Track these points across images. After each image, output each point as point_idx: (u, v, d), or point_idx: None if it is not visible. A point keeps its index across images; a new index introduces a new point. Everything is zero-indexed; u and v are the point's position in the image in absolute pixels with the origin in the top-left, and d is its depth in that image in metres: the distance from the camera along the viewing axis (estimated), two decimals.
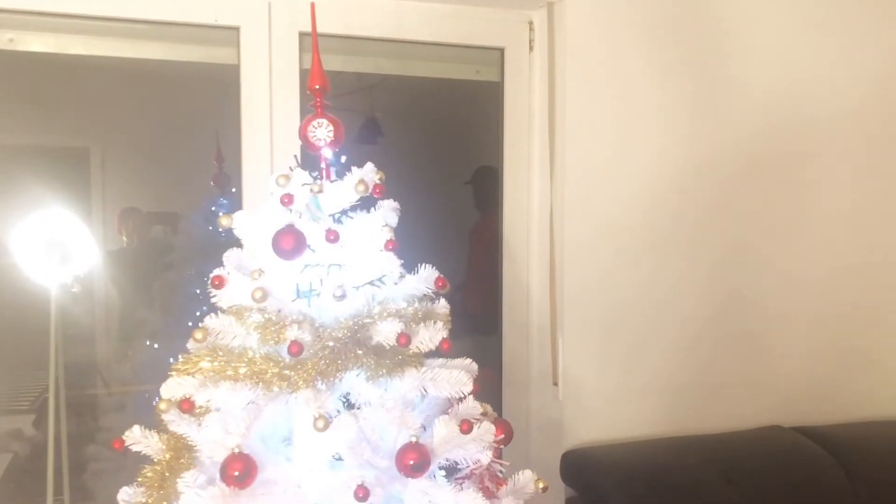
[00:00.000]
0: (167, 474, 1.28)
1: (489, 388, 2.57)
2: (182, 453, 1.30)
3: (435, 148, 3.32)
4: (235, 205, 2.43)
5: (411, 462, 1.22)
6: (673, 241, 2.43)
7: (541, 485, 1.43)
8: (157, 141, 3.34)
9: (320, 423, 1.17)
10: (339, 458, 1.28)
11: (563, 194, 2.33)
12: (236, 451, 1.17)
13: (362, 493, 1.16)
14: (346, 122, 1.45)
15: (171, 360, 1.31)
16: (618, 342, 2.38)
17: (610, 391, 2.36)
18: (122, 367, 2.88)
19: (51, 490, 2.52)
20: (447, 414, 1.31)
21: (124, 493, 1.35)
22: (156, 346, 2.74)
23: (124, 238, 3.21)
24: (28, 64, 2.89)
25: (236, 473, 1.16)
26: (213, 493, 1.16)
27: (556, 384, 2.35)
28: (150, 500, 1.28)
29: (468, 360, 1.40)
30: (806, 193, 2.57)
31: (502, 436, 1.42)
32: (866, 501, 2.19)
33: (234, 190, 2.58)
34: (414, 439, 1.23)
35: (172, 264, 2.90)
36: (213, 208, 2.76)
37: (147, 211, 3.19)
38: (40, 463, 2.62)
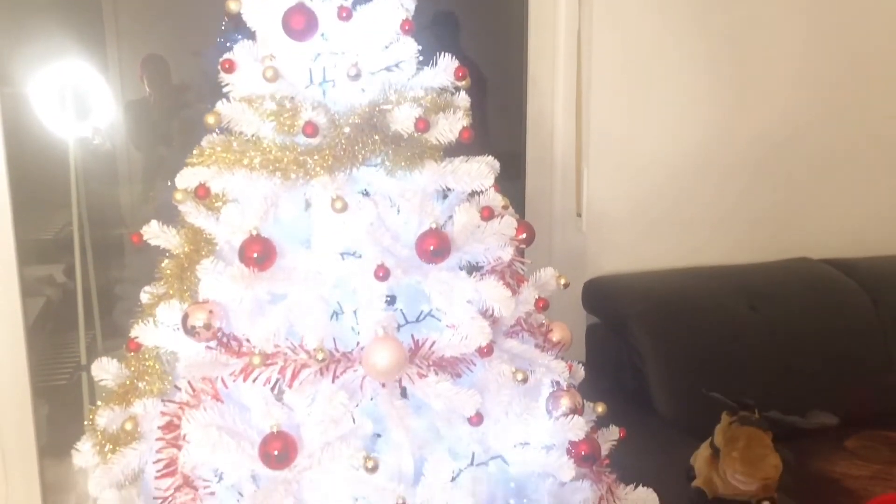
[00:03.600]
0: (186, 265, 1.27)
1: None
2: (200, 246, 1.29)
3: None
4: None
5: (432, 248, 1.19)
6: (703, 72, 2.33)
7: (562, 281, 1.41)
8: None
9: (338, 205, 1.15)
10: (359, 256, 1.26)
11: (592, 20, 2.22)
12: (254, 233, 1.15)
13: (382, 272, 1.14)
14: None
15: None
16: (644, 173, 2.33)
17: (635, 222, 2.33)
18: (145, 208, 2.90)
19: (82, 325, 2.60)
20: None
21: (146, 289, 1.35)
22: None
23: (147, 87, 3.17)
24: None
25: (255, 255, 1.15)
26: (233, 272, 1.15)
27: (579, 216, 2.32)
28: (171, 291, 1.28)
29: (490, 157, 1.36)
30: None
31: (524, 235, 1.40)
32: (891, 328, 2.18)
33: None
34: (434, 225, 1.20)
35: (189, 103, 2.87)
36: (228, 44, 2.67)
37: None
38: (71, 306, 2.69)
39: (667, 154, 2.35)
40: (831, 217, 2.53)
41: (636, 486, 1.38)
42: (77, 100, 2.68)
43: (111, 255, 2.88)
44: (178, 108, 2.98)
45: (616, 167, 2.31)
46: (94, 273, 2.72)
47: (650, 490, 1.36)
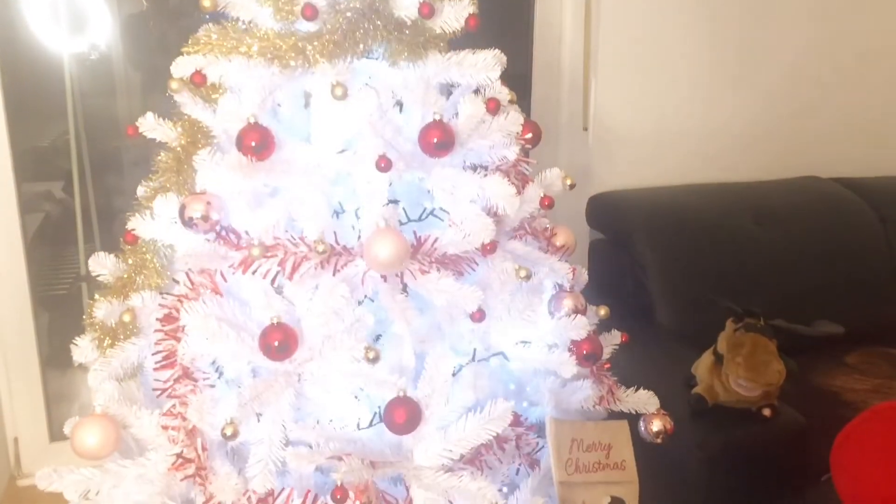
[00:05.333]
0: (183, 158, 1.24)
1: None
2: (197, 139, 1.25)
3: None
4: None
5: (435, 140, 1.15)
6: None
7: (568, 181, 1.38)
8: None
9: (338, 91, 1.11)
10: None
11: None
12: (252, 121, 1.12)
13: (384, 163, 1.11)
14: None
15: None
16: (654, 86, 2.27)
17: (643, 137, 2.29)
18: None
19: (81, 235, 2.58)
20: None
21: (143, 182, 1.32)
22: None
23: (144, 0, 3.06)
24: None
25: (253, 143, 1.11)
26: (231, 161, 1.12)
27: (586, 129, 2.27)
28: (167, 184, 1.25)
29: (497, 50, 1.31)
30: None
31: (530, 135, 1.36)
32: None
33: None
34: (438, 117, 1.16)
35: (185, 11, 2.78)
36: None
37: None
38: (70, 222, 2.66)
39: (677, 69, 2.29)
40: (841, 137, 2.48)
41: (637, 390, 1.37)
42: (72, 11, 2.60)
43: (109, 168, 2.84)
44: (176, 17, 2.89)
45: (625, 82, 2.26)
46: (92, 186, 2.68)
47: (651, 393, 1.36)
